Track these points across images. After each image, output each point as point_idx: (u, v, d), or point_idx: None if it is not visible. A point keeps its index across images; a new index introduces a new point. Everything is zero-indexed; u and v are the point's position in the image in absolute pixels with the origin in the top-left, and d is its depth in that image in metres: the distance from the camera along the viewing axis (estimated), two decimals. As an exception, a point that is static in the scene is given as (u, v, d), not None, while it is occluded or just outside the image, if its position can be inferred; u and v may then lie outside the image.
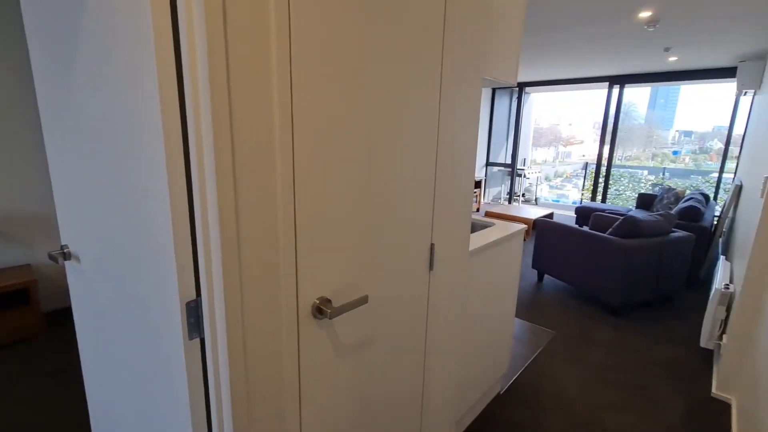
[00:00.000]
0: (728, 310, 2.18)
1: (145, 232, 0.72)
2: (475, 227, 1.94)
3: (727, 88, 6.12)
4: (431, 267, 1.14)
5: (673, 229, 3.14)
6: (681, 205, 3.85)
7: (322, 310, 0.78)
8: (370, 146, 0.86)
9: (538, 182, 8.76)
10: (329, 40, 0.72)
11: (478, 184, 6.65)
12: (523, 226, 1.90)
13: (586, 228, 3.46)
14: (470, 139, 1.20)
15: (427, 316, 1.18)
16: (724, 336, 2.16)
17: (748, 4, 2.71)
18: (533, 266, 3.60)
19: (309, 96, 0.71)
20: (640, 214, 4.89)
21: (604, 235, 2.95)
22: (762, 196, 1.89)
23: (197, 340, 0.70)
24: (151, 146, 0.64)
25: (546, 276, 3.63)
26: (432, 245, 1.13)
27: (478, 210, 6.74)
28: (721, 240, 3.66)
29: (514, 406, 1.95)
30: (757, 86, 4.17)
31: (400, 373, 1.13)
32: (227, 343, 0.66)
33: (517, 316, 2.91)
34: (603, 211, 5.08)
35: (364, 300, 0.87)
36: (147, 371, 0.84)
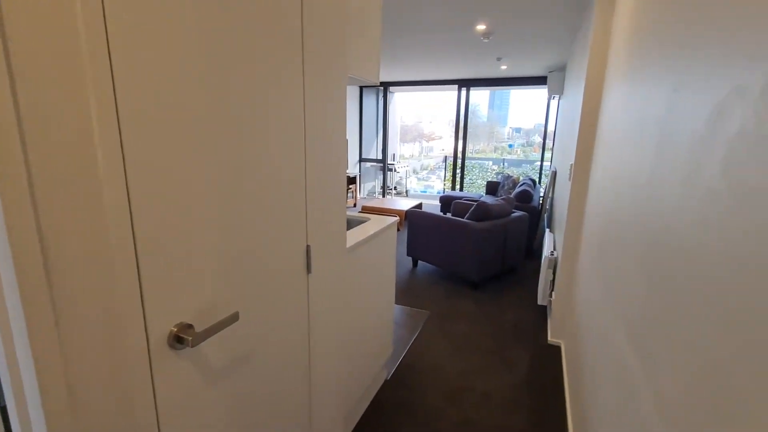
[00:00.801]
0: (554, 272, 2.72)
1: None
2: (352, 223, 1.98)
3: (543, 93, 7.51)
4: (309, 270, 1.11)
5: (513, 210, 3.76)
6: (517, 189, 4.63)
7: (181, 338, 0.67)
8: (228, 147, 0.78)
9: (408, 175, 9.44)
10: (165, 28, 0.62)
11: (353, 180, 6.81)
12: (396, 218, 2.01)
13: (449, 215, 3.92)
14: (339, 136, 1.21)
15: (309, 321, 1.15)
16: (553, 293, 2.69)
17: (553, 27, 3.39)
18: (408, 254, 3.88)
19: (140, 92, 0.60)
20: (489, 199, 5.74)
21: (463, 220, 3.35)
22: (569, 180, 2.40)
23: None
24: None
25: (420, 262, 3.94)
26: (308, 247, 1.10)
27: (354, 205, 6.91)
28: (546, 216, 4.54)
29: (400, 389, 2.08)
30: (560, 92, 5.27)
31: (283, 383, 1.07)
32: (43, 408, 0.51)
33: (397, 302, 3.09)
34: (461, 198, 5.77)
35: (234, 318, 0.79)
36: None
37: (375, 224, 1.87)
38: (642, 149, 1.16)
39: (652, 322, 0.86)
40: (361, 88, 7.53)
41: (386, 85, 7.44)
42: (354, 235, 1.63)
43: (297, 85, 0.97)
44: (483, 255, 3.27)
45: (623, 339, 1.08)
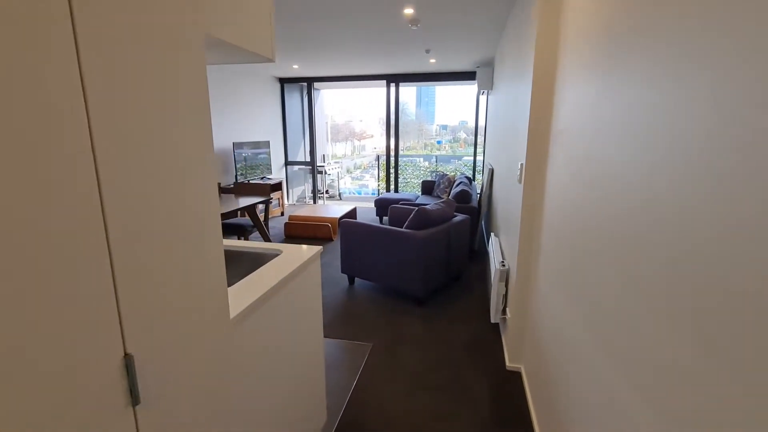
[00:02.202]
0: (507, 285, 2.43)
1: None
2: (263, 260, 1.46)
3: (470, 89, 7.45)
4: (136, 400, 0.59)
5: (455, 214, 3.47)
6: (455, 189, 4.38)
7: None
8: None
9: (340, 176, 8.92)
10: None
11: (278, 187, 6.13)
12: (318, 248, 1.52)
13: (386, 221, 3.52)
14: (193, 134, 0.69)
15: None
16: (507, 310, 2.40)
17: (481, 20, 3.13)
18: (342, 271, 3.40)
19: None
20: (427, 201, 5.47)
21: (402, 230, 2.96)
22: (520, 182, 2.10)
23: None
24: None
25: (357, 279, 3.49)
26: (128, 358, 0.57)
27: (282, 214, 6.24)
28: (484, 215, 4.36)
29: (339, 465, 1.60)
30: (490, 87, 5.15)
31: None
32: None
33: (331, 335, 2.60)
34: (398, 201, 5.43)
35: None
36: None
37: (290, 259, 1.37)
38: (637, 146, 0.82)
39: (657, 349, 0.59)
40: (282, 84, 6.85)
41: (310, 81, 6.84)
42: (252, 288, 1.12)
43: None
44: (427, 267, 2.91)
45: (612, 370, 0.96)
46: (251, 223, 3.84)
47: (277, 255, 1.42)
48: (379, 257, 3.09)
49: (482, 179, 6.28)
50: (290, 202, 7.37)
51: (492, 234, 3.24)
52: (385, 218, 5.47)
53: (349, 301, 3.11)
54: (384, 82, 6.51)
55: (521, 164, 2.08)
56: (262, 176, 5.91)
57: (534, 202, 1.99)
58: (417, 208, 3.04)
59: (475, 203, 4.15)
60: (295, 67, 5.71)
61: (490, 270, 3.10)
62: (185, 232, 0.70)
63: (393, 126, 6.69)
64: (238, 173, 5.28)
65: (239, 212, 4.00)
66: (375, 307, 3.00)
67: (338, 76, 6.61)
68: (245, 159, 5.44)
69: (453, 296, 3.20)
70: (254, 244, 1.63)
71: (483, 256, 4.31)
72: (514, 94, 2.59)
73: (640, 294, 0.83)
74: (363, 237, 3.16)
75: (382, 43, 4.21)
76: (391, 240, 2.99)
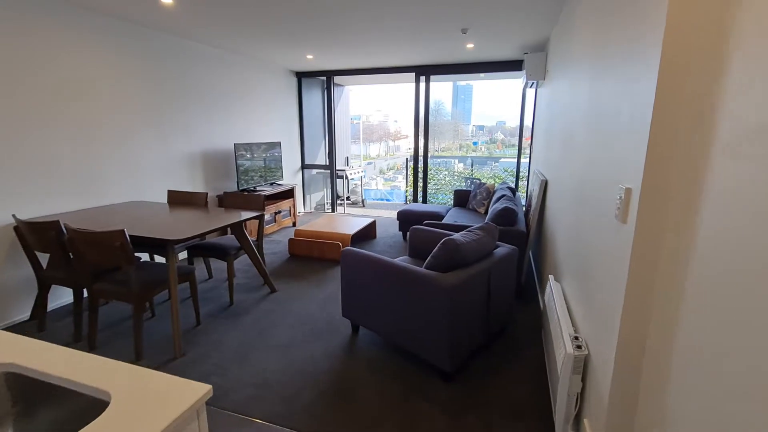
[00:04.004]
0: (584, 378, 1.51)
1: None
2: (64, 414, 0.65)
3: (511, 84, 6.43)
4: None
5: (497, 243, 2.55)
6: (495, 205, 3.44)
7: None
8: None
9: (363, 182, 8.14)
10: None
11: (289, 194, 5.42)
12: (201, 395, 0.70)
13: (402, 252, 2.65)
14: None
15: None
16: (584, 420, 1.48)
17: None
18: (344, 314, 2.58)
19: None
20: (459, 216, 4.54)
21: (422, 271, 2.09)
22: (623, 220, 1.19)
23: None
24: None
25: (362, 328, 2.65)
26: None
27: (294, 224, 5.53)
28: (531, 241, 3.39)
29: None
30: (541, 76, 4.16)
31: None
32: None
33: (320, 423, 1.78)
34: (423, 217, 4.54)
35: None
36: None
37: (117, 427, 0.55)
38: None
39: None
40: (299, 79, 6.15)
41: (329, 75, 6.09)
42: None
43: None
44: (457, 328, 2.02)
45: None
46: (237, 245, 3.11)
47: (103, 404, 0.61)
48: (390, 305, 2.24)
49: (528, 189, 5.26)
50: (307, 209, 6.67)
51: (551, 278, 2.30)
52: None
53: (345, 365, 2.28)
54: (413, 74, 5.65)
55: (625, 190, 1.16)
56: (271, 182, 5.22)
57: (665, 259, 1.07)
58: (444, 239, 2.16)
59: (522, 225, 3.20)
60: (310, 57, 4.97)
61: (546, 327, 2.17)
62: None
63: (423, 125, 5.80)
64: (241, 179, 4.60)
65: (228, 229, 3.28)
66: (380, 380, 2.15)
67: (360, 69, 5.82)
68: (250, 162, 4.76)
69: (494, 366, 2.29)
70: (66, 371, 0.83)
71: (531, 292, 3.34)
72: (600, 82, 1.66)
73: None
74: (369, 273, 2.33)
75: (409, 22, 3.35)
76: (406, 283, 2.13)
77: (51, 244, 2.38)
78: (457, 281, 1.98)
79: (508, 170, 8.35)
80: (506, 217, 3.10)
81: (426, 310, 2.04)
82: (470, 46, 4.28)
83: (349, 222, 4.67)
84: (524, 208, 4.25)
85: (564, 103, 2.64)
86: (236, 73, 4.79)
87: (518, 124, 5.64)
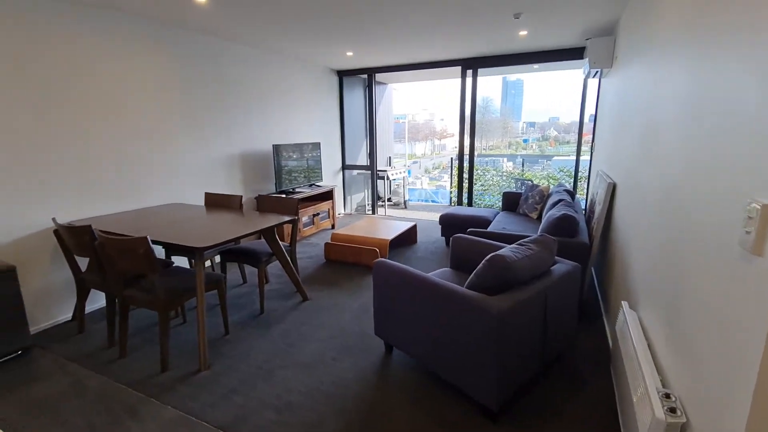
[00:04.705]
0: (679, 452, 1.15)
1: None
2: None
3: (567, 76, 5.86)
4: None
5: (555, 259, 2.19)
6: (551, 211, 3.03)
7: None
8: None
9: (407, 182, 7.88)
10: None
11: (328, 195, 5.30)
12: None
13: (444, 260, 2.35)
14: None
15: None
16: None
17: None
18: (376, 332, 2.34)
19: None
20: (507, 221, 4.13)
21: (464, 291, 1.79)
22: (752, 249, 0.83)
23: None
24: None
25: (396, 350, 2.40)
26: None
27: (333, 227, 5.40)
28: (594, 252, 2.94)
29: None
30: (608, 64, 3.65)
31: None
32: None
33: (334, 470, 1.56)
34: (468, 222, 4.20)
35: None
36: None
37: None
38: None
39: None
40: (341, 77, 6.01)
41: (371, 72, 5.89)
42: None
43: None
44: (506, 359, 1.71)
45: None
46: (270, 250, 2.98)
47: None
48: (426, 327, 1.96)
49: (588, 192, 4.71)
50: (347, 211, 6.54)
51: (624, 305, 1.90)
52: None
53: (376, 391, 2.03)
54: (458, 69, 5.29)
55: (761, 208, 0.80)
56: (310, 183, 5.12)
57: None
58: (490, 255, 1.84)
59: (584, 235, 2.78)
60: (350, 54, 4.79)
61: (619, 365, 1.78)
62: None
63: (468, 122, 5.42)
64: (279, 181, 4.53)
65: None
66: (413, 413, 1.88)
67: (403, 65, 5.55)
68: (289, 164, 4.68)
69: (550, 403, 1.94)
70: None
71: (593, 312, 2.90)
72: (708, 64, 1.27)
73: None
74: (403, 289, 2.07)
75: (454, 8, 3.04)
76: (445, 304, 1.85)
77: (86, 249, 2.38)
78: (507, 306, 1.67)
79: (564, 170, 7.67)
80: (565, 226, 2.70)
81: (468, 337, 1.75)
82: (523, 33, 3.87)
83: (388, 225, 4.43)
84: (585, 214, 3.77)
85: (643, 93, 2.21)
86: (275, 73, 4.73)
87: (577, 119, 5.08)
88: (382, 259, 2.26)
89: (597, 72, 4.10)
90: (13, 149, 2.48)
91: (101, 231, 2.23)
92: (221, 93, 3.99)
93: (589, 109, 4.98)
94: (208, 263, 3.76)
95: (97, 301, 3.02)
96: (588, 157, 5.09)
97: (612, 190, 2.87)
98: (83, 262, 2.76)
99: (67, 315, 2.85)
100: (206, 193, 3.45)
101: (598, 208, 3.07)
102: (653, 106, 1.91)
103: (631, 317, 1.73)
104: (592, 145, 4.80)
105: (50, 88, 2.64)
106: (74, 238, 2.39)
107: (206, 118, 3.84)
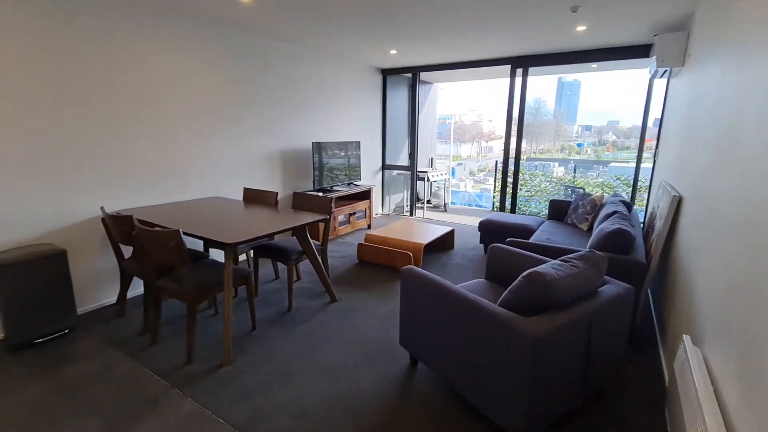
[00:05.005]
0: None
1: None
2: None
3: (630, 76, 5.37)
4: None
5: (605, 279, 1.95)
6: (604, 224, 2.75)
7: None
8: None
9: (450, 184, 7.66)
10: None
11: (366, 195, 5.25)
12: None
13: (480, 269, 2.17)
14: None
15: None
16: None
17: None
18: (401, 342, 2.23)
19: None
20: (553, 231, 3.82)
21: (496, 309, 1.63)
22: None
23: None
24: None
25: (421, 363, 2.26)
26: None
27: (369, 227, 5.35)
28: (651, 272, 2.61)
29: None
30: (680, 63, 3.25)
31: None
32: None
33: (343, 489, 1.47)
34: (509, 230, 3.95)
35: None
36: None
37: None
38: None
39: None
40: (384, 76, 5.94)
41: (415, 71, 5.76)
42: None
43: None
44: (541, 388, 1.53)
45: None
46: (300, 248, 2.96)
47: None
48: (454, 344, 1.82)
49: (648, 204, 4.27)
50: (385, 211, 6.46)
51: (686, 339, 1.64)
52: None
53: (397, 407, 1.92)
54: (508, 68, 5.02)
55: None
56: (348, 182, 5.10)
57: None
58: (528, 271, 1.66)
59: (640, 253, 2.48)
60: (393, 52, 4.69)
61: (677, 411, 1.54)
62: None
63: (516, 124, 5.13)
64: (317, 178, 4.54)
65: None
66: (442, 427, 1.75)
67: (448, 63, 5.37)
68: (327, 162, 4.68)
69: (587, 439, 1.72)
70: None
71: (647, 340, 2.58)
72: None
73: None
74: (431, 300, 1.94)
75: (506, 0, 2.84)
76: (475, 320, 1.69)
77: (127, 238, 2.48)
78: (543, 331, 1.48)
79: (621, 178, 7.07)
80: (619, 242, 2.42)
81: (498, 359, 1.59)
82: (581, 28, 3.56)
83: (425, 229, 4.29)
84: (643, 229, 3.40)
85: (722, 95, 1.90)
86: (318, 71, 4.75)
87: (640, 123, 4.63)
88: (411, 266, 2.14)
89: (665, 71, 3.68)
90: (64, 141, 2.65)
91: (140, 221, 2.31)
92: (264, 90, 4.05)
93: (655, 113, 4.51)
94: (243, 257, 3.84)
95: (140, 286, 3.17)
96: (650, 165, 4.62)
97: (677, 204, 2.54)
98: (128, 250, 2.90)
99: (112, 299, 3.01)
100: (245, 188, 3.52)
101: (659, 223, 2.74)
102: (736, 109, 1.62)
103: (695, 356, 1.48)
104: (655, 152, 4.35)
105: (99, 84, 2.79)
106: (117, 227, 2.50)
107: (248, 115, 3.92)
